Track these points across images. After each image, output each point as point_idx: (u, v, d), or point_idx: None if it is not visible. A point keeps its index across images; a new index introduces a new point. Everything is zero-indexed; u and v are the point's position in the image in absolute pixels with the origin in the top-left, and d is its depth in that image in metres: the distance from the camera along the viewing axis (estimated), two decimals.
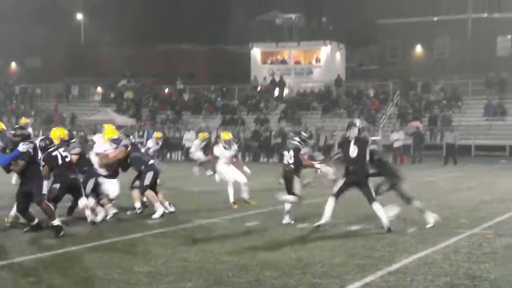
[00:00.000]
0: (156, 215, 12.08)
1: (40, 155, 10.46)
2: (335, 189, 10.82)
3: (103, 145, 12.18)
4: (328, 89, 42.80)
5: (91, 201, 11.54)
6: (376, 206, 10.53)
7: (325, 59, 46.67)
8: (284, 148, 14.53)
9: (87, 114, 42.90)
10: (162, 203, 12.46)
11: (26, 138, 10.13)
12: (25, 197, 10.15)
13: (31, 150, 9.99)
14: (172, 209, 12.70)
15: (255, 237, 10.08)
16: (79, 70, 54.93)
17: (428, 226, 10.86)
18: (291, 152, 11.61)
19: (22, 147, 9.87)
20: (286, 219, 11.52)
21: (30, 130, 13.42)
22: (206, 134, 20.46)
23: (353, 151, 10.58)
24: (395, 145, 30.63)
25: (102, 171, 11.98)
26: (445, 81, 41.27)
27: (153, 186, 12.54)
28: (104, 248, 9.16)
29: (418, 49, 48.67)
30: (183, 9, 62.01)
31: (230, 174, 14.31)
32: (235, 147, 14.79)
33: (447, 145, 29.40)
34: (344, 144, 10.91)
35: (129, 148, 12.44)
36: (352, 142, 10.63)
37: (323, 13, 48.72)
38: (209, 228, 11.06)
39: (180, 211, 13.09)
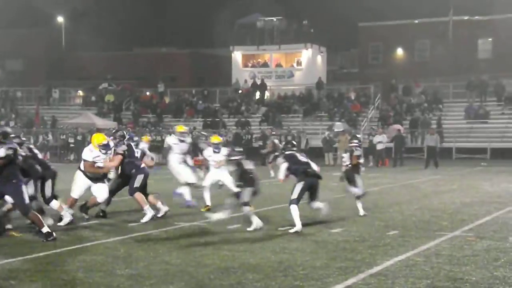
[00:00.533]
0: (145, 219, 12.02)
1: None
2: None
3: (90, 152, 11.91)
4: (309, 92, 42.96)
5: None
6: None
7: (306, 62, 46.85)
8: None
9: (69, 117, 42.69)
10: (154, 205, 12.40)
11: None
12: None
13: (11, 153, 9.89)
14: (165, 208, 12.64)
15: (236, 240, 10.08)
16: (60, 73, 54.64)
17: (249, 228, 10.96)
18: (348, 154, 13.17)
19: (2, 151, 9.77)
20: (362, 211, 12.97)
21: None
22: (149, 138, 20.17)
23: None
24: (378, 147, 30.83)
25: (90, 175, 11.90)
26: (426, 84, 41.57)
27: (143, 188, 12.48)
28: (85, 251, 9.11)
29: (399, 51, 49.01)
30: (164, 13, 61.92)
31: (209, 176, 14.25)
32: (224, 150, 14.43)
33: (428, 147, 29.61)
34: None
35: (125, 153, 12.34)
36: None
37: (304, 16, 48.93)
38: (191, 231, 11.04)
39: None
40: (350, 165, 13.16)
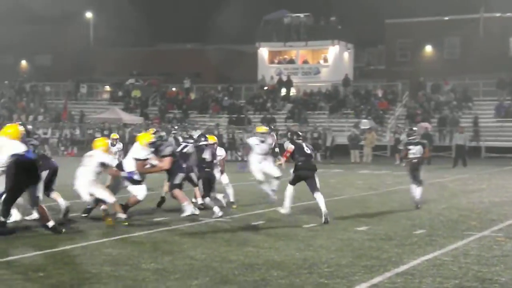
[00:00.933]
0: (185, 213, 12.01)
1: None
2: None
3: (141, 150, 11.82)
4: (335, 89, 42.77)
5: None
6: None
7: (333, 59, 46.65)
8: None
9: (96, 112, 43.05)
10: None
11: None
12: None
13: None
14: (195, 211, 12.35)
15: (261, 236, 10.08)
16: (88, 68, 55.11)
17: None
18: (419, 147, 14.10)
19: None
20: (419, 203, 13.84)
21: None
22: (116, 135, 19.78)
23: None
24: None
25: (137, 176, 11.81)
26: (455, 82, 41.16)
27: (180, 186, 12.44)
28: (112, 245, 9.18)
29: (428, 49, 48.56)
30: (191, 9, 62.08)
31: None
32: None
33: (457, 146, 29.33)
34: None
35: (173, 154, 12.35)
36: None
37: (332, 12, 48.71)
38: (216, 227, 11.07)
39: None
40: (418, 158, 14.10)
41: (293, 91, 44.20)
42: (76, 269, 7.58)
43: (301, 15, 47.83)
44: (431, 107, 39.22)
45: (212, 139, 13.45)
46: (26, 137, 10.49)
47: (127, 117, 39.99)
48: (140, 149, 11.85)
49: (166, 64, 53.58)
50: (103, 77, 52.25)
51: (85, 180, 11.14)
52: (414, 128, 15.88)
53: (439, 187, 18.87)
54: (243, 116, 40.77)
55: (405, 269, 7.88)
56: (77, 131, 38.32)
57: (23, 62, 58.85)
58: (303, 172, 12.06)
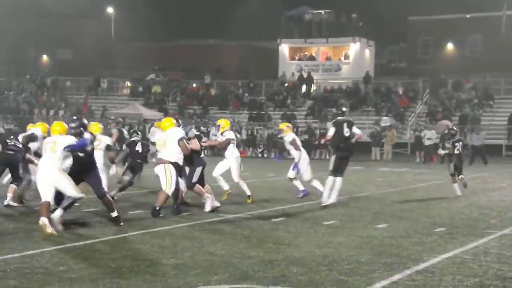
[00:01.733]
0: (207, 207, 12.11)
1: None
2: None
3: (178, 131, 11.95)
4: (356, 86, 42.63)
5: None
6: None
7: (354, 56, 46.47)
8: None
9: (116, 107, 43.27)
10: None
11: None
12: None
13: None
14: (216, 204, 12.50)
15: (281, 232, 10.09)
16: (109, 63, 55.43)
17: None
18: (461, 143, 15.65)
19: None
20: (459, 192, 15.30)
21: None
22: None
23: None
24: (426, 143, 30.45)
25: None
26: (476, 79, 40.84)
27: (201, 180, 12.53)
28: (132, 240, 9.24)
29: (450, 46, 48.20)
30: (212, 4, 62.14)
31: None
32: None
33: (473, 147, 29.27)
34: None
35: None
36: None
37: (353, 9, 48.50)
38: (236, 223, 11.10)
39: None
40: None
41: (313, 88, 44.11)
42: (96, 264, 7.64)
43: (323, 11, 47.69)
44: (452, 105, 38.95)
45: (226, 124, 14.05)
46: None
47: (147, 113, 40.15)
48: (176, 131, 11.82)
49: (187, 59, 53.71)
50: (124, 72, 52.51)
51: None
52: (455, 128, 16.88)
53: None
54: (263, 112, 40.78)
55: (425, 267, 7.85)
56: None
57: (44, 57, 59.33)
58: (341, 154, 13.12)
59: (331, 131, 13.29)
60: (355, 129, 13.38)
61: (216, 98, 44.40)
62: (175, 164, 11.49)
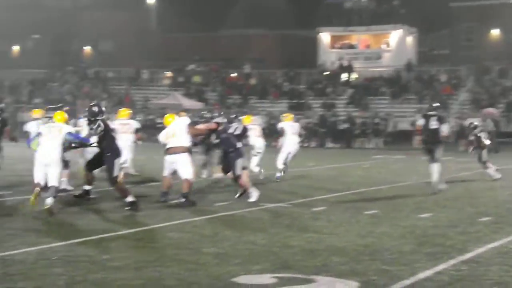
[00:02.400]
0: (252, 198, 12.15)
1: None
2: None
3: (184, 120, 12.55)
4: (397, 74, 42.11)
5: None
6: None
7: (396, 44, 45.87)
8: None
9: (157, 97, 43.57)
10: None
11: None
12: None
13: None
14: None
15: (322, 222, 10.04)
16: (150, 54, 55.82)
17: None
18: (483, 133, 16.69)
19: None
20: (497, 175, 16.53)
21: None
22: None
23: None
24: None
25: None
26: None
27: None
28: (174, 229, 9.30)
29: (494, 32, 47.22)
30: None
31: None
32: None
33: None
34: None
35: (220, 127, 12.80)
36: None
37: None
38: (276, 212, 11.08)
39: (246, 194, 13.16)
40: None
41: (354, 76, 43.74)
42: (139, 252, 7.71)
43: None
44: (497, 92, 38.20)
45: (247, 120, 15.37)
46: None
47: (188, 103, 40.32)
48: (181, 120, 12.41)
49: (226, 49, 53.72)
50: (164, 63, 52.82)
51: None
52: (475, 123, 17.93)
53: (505, 174, 18.35)
54: (303, 101, 40.59)
55: (470, 257, 7.72)
56: (140, 117, 38.90)
57: (87, 49, 60.04)
58: (427, 146, 14.33)
59: (420, 122, 14.70)
60: (444, 127, 14.30)
61: (256, 88, 44.37)
62: (188, 150, 11.90)
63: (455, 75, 41.17)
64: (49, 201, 10.17)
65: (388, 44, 46.15)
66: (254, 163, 16.01)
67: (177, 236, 8.75)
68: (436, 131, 14.07)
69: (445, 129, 14.30)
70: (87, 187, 11.49)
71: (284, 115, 18.22)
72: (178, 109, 37.70)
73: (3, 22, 54.32)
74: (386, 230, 9.35)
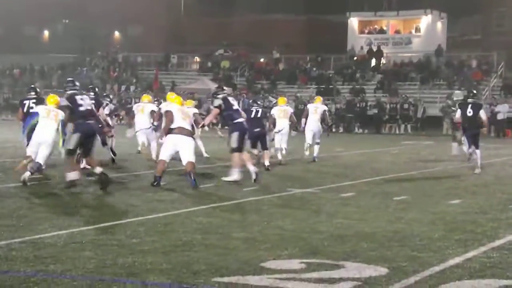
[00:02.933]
0: (228, 178, 12.42)
1: None
2: None
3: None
4: (427, 59, 41.62)
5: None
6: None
7: (425, 29, 45.29)
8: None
9: (185, 82, 43.68)
10: (246, 165, 12.59)
11: None
12: None
13: None
14: (255, 170, 12.60)
15: (350, 208, 9.98)
16: (179, 39, 55.90)
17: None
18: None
19: None
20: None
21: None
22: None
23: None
24: (498, 117, 29.60)
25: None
26: None
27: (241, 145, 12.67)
28: (202, 213, 9.32)
29: None
30: None
31: None
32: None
33: None
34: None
35: (222, 107, 12.79)
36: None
37: None
38: (304, 198, 11.05)
39: (274, 180, 13.16)
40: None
41: (383, 62, 43.34)
42: (168, 237, 7.73)
43: None
44: None
45: (282, 101, 17.08)
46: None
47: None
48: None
49: (255, 34, 53.59)
50: (193, 47, 52.87)
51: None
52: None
53: None
54: (332, 86, 40.34)
55: (501, 243, 7.62)
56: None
57: (116, 33, 60.32)
58: (468, 132, 14.90)
59: (458, 113, 15.20)
60: (481, 113, 14.87)
61: (284, 73, 44.21)
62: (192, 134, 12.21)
63: (486, 61, 40.57)
64: (27, 174, 11.41)
65: (418, 29, 45.60)
66: (277, 143, 16.36)
67: (206, 221, 8.76)
68: (475, 118, 14.60)
69: (483, 116, 14.84)
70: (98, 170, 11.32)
71: (315, 97, 19.39)
72: (206, 94, 37.89)
73: (32, 7, 54.79)
74: (415, 216, 9.27)
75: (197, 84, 40.58)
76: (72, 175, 11.23)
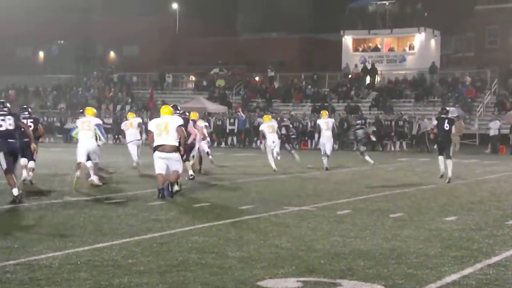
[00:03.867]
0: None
1: None
2: None
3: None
4: (421, 76, 41.83)
5: None
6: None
7: (419, 46, 45.60)
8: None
9: (181, 101, 43.65)
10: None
11: None
12: None
13: None
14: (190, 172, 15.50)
15: (347, 225, 9.96)
16: (173, 58, 56.09)
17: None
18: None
19: None
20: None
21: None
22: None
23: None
24: (491, 134, 29.78)
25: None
26: None
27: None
28: (198, 232, 9.28)
29: None
30: None
31: None
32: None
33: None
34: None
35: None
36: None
37: None
38: (300, 215, 11.01)
39: (270, 197, 13.15)
40: None
41: (377, 79, 43.50)
42: (164, 257, 7.69)
43: (386, 2, 46.91)
44: None
45: (267, 119, 19.85)
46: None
47: (212, 106, 40.45)
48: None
49: (250, 53, 53.84)
50: (188, 67, 53.04)
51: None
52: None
53: None
54: (327, 104, 40.44)
55: (497, 260, 7.60)
56: None
57: (111, 54, 60.50)
58: (441, 144, 16.50)
59: (433, 124, 17.03)
60: (453, 127, 16.48)
61: (279, 91, 44.34)
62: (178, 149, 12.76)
63: (480, 78, 40.78)
64: (94, 179, 14.42)
65: (411, 47, 45.85)
66: (269, 153, 18.96)
67: (202, 240, 8.72)
68: (448, 131, 16.27)
69: (452, 130, 16.49)
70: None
71: (321, 112, 22.01)
72: (202, 112, 37.95)
73: (27, 28, 54.90)
74: (411, 233, 9.25)
75: (193, 103, 40.59)
76: (15, 191, 11.77)
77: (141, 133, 19.14)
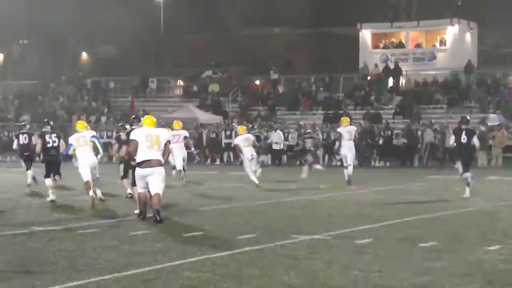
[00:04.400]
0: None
1: None
2: None
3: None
4: (455, 77, 41.95)
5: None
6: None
7: (452, 41, 45.72)
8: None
9: (167, 111, 43.72)
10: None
11: None
12: None
13: None
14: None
15: (368, 257, 10.00)
16: (158, 59, 56.27)
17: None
18: None
19: None
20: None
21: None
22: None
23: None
24: None
25: None
26: None
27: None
28: (191, 267, 9.31)
29: None
30: None
31: None
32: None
33: None
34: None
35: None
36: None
37: None
38: (312, 246, 11.04)
39: (276, 224, 13.17)
40: None
41: (402, 81, 43.65)
42: None
43: None
44: None
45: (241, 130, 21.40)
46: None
47: (204, 116, 40.47)
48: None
49: (249, 52, 53.99)
50: (175, 69, 53.19)
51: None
52: None
53: None
54: (342, 112, 40.51)
55: None
56: None
57: (84, 54, 60.70)
58: (463, 158, 17.65)
59: (451, 140, 18.09)
60: (475, 139, 17.38)
61: (285, 97, 44.41)
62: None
63: None
64: (98, 192, 16.51)
65: (443, 42, 46.03)
66: (247, 168, 20.58)
67: (194, 276, 8.76)
68: (468, 144, 17.31)
69: (476, 143, 17.48)
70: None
71: (342, 118, 23.16)
72: (193, 124, 38.04)
73: None
74: (446, 266, 9.30)
75: (181, 113, 40.50)
76: None
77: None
